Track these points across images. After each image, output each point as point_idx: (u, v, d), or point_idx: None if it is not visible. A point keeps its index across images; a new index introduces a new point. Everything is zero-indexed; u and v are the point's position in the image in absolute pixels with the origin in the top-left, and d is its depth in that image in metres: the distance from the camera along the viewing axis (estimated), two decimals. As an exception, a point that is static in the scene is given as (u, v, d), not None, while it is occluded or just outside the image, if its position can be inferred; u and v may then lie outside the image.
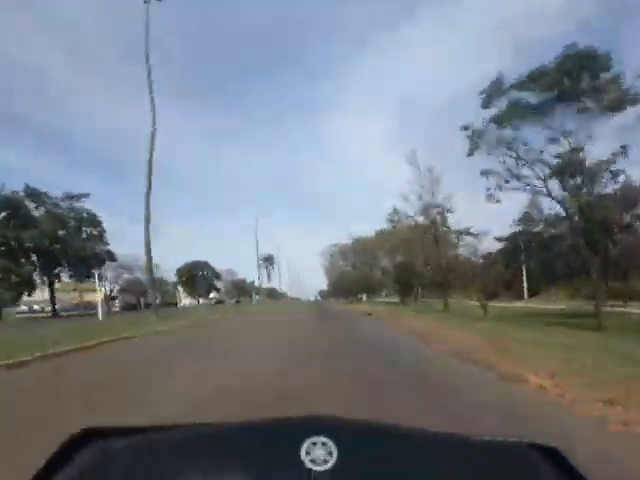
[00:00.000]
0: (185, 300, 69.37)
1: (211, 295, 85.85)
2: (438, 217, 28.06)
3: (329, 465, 0.40)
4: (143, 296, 51.87)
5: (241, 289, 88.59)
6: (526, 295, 46.10)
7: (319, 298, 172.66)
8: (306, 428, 0.43)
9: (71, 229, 33.13)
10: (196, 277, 65.69)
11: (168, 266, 63.18)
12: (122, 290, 45.64)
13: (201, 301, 73.06)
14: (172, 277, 63.76)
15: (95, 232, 33.89)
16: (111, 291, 43.83)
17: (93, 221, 33.74)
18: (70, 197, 34.04)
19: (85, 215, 33.96)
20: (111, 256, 36.39)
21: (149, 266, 19.20)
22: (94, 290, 37.83)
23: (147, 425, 0.46)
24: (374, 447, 0.44)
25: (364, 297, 52.29)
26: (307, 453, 0.41)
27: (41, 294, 40.64)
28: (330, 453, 0.41)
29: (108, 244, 35.30)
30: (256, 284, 66.44)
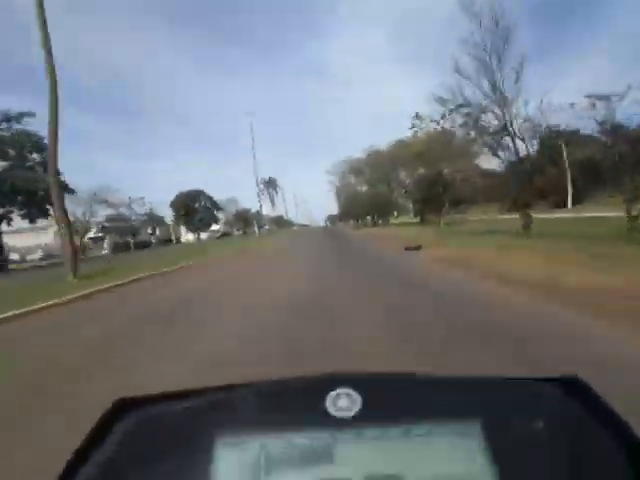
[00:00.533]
0: (187, 235, 64.16)
1: (214, 227, 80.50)
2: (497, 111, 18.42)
3: (353, 412, 0.43)
4: (134, 235, 46.97)
5: (245, 220, 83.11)
6: (570, 203, 39.64)
7: (328, 224, 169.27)
8: (329, 382, 0.46)
9: (15, 157, 26.58)
10: (193, 209, 59.06)
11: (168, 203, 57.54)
12: (104, 229, 39.81)
13: (203, 236, 68.38)
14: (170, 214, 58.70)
15: (41, 160, 26.97)
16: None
17: (39, 146, 26.81)
18: (8, 118, 26.95)
19: (30, 140, 27.01)
20: (68, 189, 29.90)
21: (53, 166, 11.87)
22: (85, 231, 32.56)
23: (181, 391, 0.48)
24: (396, 394, 0.47)
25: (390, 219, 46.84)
26: (332, 404, 0.44)
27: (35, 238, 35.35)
28: (354, 402, 0.43)
29: (60, 174, 28.56)
30: (258, 211, 59.24)
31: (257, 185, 51.59)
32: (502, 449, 0.41)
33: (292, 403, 0.46)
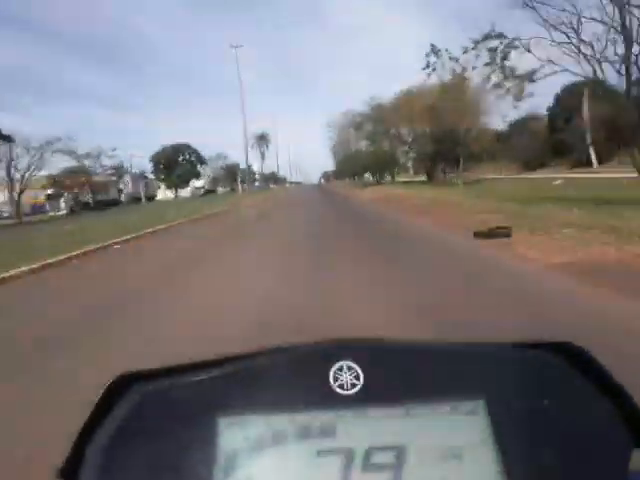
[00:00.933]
0: (166, 192, 57.41)
1: (197, 184, 73.59)
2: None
3: (356, 389, 0.43)
4: (93, 192, 40.80)
5: (233, 175, 76.60)
6: (595, 162, 34.66)
7: (322, 182, 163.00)
8: (333, 353, 0.45)
9: None
10: (175, 163, 52.43)
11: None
12: (56, 183, 33.47)
13: (184, 193, 61.99)
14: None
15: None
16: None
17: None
18: None
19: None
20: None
21: None
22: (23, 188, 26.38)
23: (184, 363, 0.47)
24: (398, 367, 0.46)
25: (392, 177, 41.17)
26: (335, 379, 0.43)
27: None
28: (358, 375, 0.43)
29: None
30: (248, 166, 52.46)
31: (244, 135, 41.76)
32: (506, 424, 0.41)
33: (295, 378, 0.45)
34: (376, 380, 0.43)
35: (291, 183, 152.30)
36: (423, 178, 42.46)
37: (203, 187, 76.09)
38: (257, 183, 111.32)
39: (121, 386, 0.44)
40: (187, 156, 53.33)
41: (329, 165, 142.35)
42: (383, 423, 0.42)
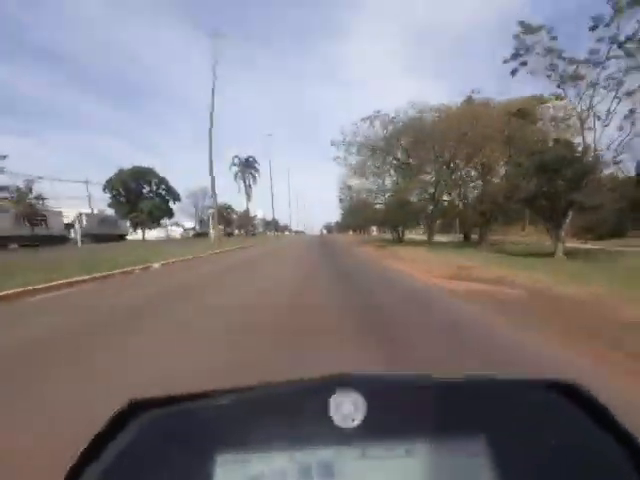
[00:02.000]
0: (136, 234, 47.45)
1: (187, 225, 64.68)
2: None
3: (357, 421, 0.42)
4: (35, 222, 31.51)
5: (226, 219, 67.63)
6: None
7: (324, 232, 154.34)
8: (333, 386, 0.45)
9: None
10: (140, 196, 40.22)
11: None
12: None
13: (156, 233, 52.34)
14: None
15: None
16: None
17: None
18: None
19: None
20: None
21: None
22: None
23: (192, 393, 0.48)
24: (400, 398, 0.46)
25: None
26: (335, 410, 0.43)
27: None
28: (358, 408, 0.43)
29: None
30: (229, 206, 42.43)
31: (210, 161, 28.45)
32: (507, 466, 0.41)
33: (295, 413, 0.45)
34: (377, 415, 0.43)
35: (296, 232, 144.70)
36: (443, 238, 33.08)
37: (193, 229, 67.26)
38: (271, 231, 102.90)
39: (129, 412, 0.45)
40: (153, 186, 41.91)
41: (334, 216, 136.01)
42: (383, 463, 0.41)
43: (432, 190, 24.03)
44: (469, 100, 23.06)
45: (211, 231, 32.56)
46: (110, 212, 40.65)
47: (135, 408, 0.45)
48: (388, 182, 27.72)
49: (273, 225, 79.26)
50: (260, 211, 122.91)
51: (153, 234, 57.86)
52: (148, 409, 0.45)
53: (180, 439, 0.43)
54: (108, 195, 39.28)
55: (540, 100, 22.94)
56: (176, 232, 65.59)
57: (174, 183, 54.30)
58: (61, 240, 34.10)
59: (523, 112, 21.78)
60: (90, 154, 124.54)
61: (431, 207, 25.05)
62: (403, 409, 0.44)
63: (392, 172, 27.47)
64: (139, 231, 44.38)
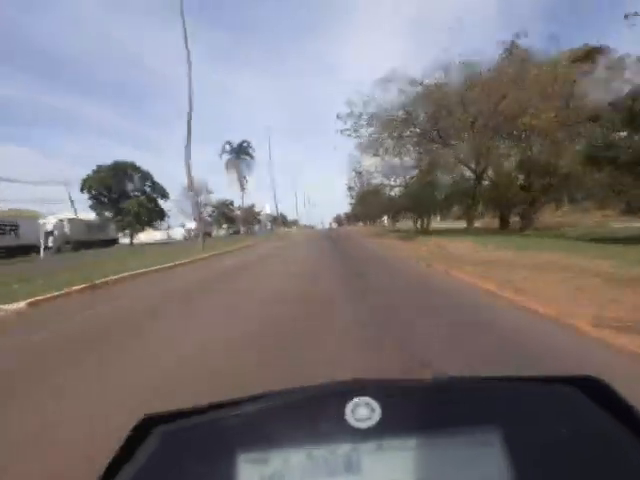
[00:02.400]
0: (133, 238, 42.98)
1: (181, 229, 60.12)
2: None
3: (373, 422, 0.43)
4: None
5: (227, 215, 63.18)
6: None
7: (334, 225, 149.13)
8: (348, 391, 0.46)
9: None
10: (124, 195, 35.09)
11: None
12: None
13: (160, 236, 47.94)
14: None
15: None
16: None
17: None
18: None
19: None
20: None
21: None
22: None
23: (205, 405, 0.49)
24: (414, 402, 0.47)
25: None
26: (351, 413, 0.44)
27: None
28: (373, 411, 0.44)
29: None
30: (198, 196, 36.38)
31: (187, 136, 19.58)
32: (522, 456, 0.41)
33: (312, 414, 0.46)
34: (392, 416, 0.43)
35: (305, 226, 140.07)
36: (477, 224, 27.96)
37: (190, 231, 62.82)
38: (259, 226, 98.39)
39: (144, 428, 0.46)
40: (137, 183, 36.42)
41: (344, 208, 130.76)
42: (401, 456, 0.42)
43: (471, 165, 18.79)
44: (513, 47, 17.87)
45: (177, 231, 28.05)
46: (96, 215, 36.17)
47: (150, 423, 0.46)
48: (407, 161, 22.49)
49: (277, 221, 74.33)
50: (267, 206, 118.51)
51: (156, 236, 53.83)
52: (163, 423, 0.46)
53: (198, 447, 0.44)
54: (87, 196, 34.76)
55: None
56: (178, 233, 61.50)
57: (170, 181, 49.97)
58: (30, 250, 29.76)
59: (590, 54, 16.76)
60: (83, 157, 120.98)
61: (472, 185, 19.68)
62: (418, 410, 0.45)
63: (411, 148, 22.05)
64: (139, 235, 39.99)
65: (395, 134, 19.76)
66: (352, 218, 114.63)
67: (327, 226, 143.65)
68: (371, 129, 20.16)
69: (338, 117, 19.34)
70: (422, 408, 0.45)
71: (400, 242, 17.20)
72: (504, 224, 22.94)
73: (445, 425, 0.43)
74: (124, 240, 54.43)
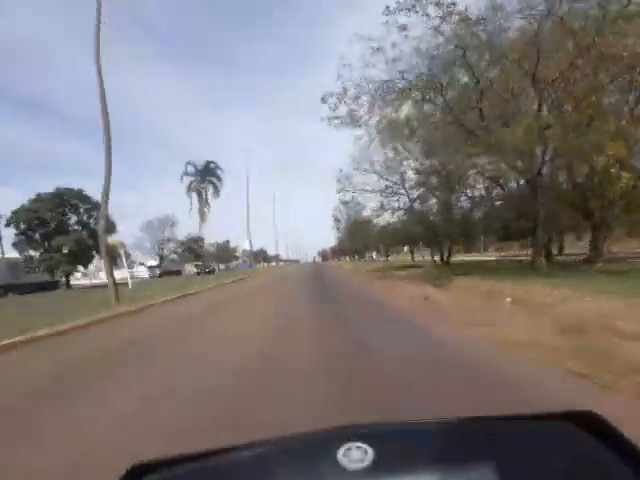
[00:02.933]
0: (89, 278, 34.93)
1: (151, 263, 52.78)
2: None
3: (365, 464, 0.42)
4: None
5: (195, 251, 55.86)
6: None
7: (317, 259, 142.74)
8: (341, 436, 0.46)
9: None
10: (60, 229, 27.67)
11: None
12: None
13: (121, 275, 39.77)
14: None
15: None
16: None
17: None
18: None
19: None
20: None
21: None
22: None
23: (195, 453, 0.48)
24: (407, 444, 0.46)
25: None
26: (344, 456, 0.43)
27: None
28: (365, 453, 0.43)
29: None
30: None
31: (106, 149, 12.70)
32: None
33: (306, 460, 0.45)
34: (387, 455, 0.43)
35: (286, 261, 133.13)
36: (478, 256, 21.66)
37: (158, 266, 55.33)
38: (240, 261, 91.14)
39: (135, 476, 0.45)
40: (84, 215, 29.55)
41: (329, 242, 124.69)
42: None
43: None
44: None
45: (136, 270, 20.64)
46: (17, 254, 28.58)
47: (141, 471, 0.45)
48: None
49: (257, 257, 67.22)
50: (247, 242, 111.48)
51: (118, 275, 46.10)
52: (153, 472, 0.45)
53: None
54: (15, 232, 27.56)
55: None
56: (143, 272, 54.02)
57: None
58: None
59: None
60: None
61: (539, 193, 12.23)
62: (412, 450, 0.44)
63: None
64: (100, 274, 32.12)
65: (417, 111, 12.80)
66: (338, 252, 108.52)
67: (311, 260, 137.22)
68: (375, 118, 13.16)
69: (324, 101, 12.66)
70: (415, 450, 0.44)
71: (434, 290, 10.48)
72: (549, 254, 17.01)
73: (441, 464, 0.42)
74: (83, 281, 46.24)
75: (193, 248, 53.66)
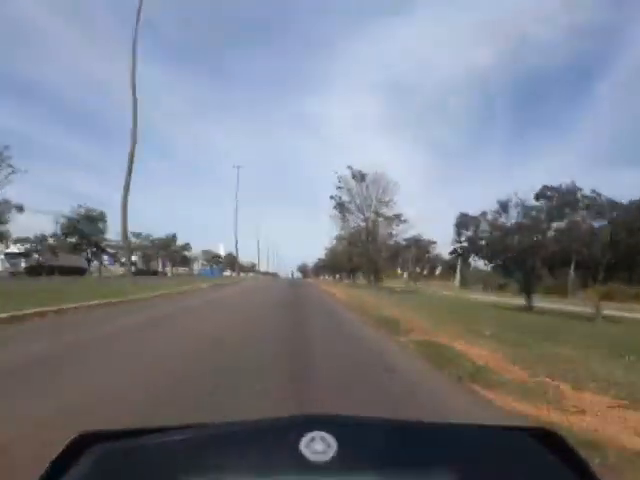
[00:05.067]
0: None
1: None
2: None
3: (328, 456, 0.41)
4: None
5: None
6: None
7: (297, 275, 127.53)
8: (304, 425, 0.45)
9: None
10: None
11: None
12: None
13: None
14: None
15: None
16: None
17: None
18: None
19: None
20: None
21: None
22: None
23: (145, 427, 0.47)
24: (371, 439, 0.47)
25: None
26: (306, 447, 0.42)
27: None
28: (329, 446, 0.42)
29: None
30: None
31: None
32: None
33: (265, 446, 0.45)
34: (348, 451, 0.42)
35: (264, 273, 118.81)
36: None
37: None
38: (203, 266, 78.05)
39: (81, 445, 0.44)
40: None
41: (312, 257, 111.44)
42: None
43: None
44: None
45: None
46: None
47: (88, 441, 0.43)
48: None
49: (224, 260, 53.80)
50: (221, 246, 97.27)
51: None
52: (101, 442, 0.44)
53: (140, 470, 0.42)
54: None
55: None
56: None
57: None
58: None
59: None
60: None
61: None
62: (375, 447, 0.45)
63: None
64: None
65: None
66: (322, 269, 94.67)
67: (289, 275, 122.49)
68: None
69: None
70: (380, 446, 0.45)
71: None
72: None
73: (401, 465, 0.43)
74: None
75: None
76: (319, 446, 0.42)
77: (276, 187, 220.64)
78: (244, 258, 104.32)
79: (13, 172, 29.47)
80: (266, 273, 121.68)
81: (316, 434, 0.42)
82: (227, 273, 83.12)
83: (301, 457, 0.41)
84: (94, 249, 41.66)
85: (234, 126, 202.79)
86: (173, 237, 63.23)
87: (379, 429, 0.48)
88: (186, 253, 72.12)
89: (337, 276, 73.07)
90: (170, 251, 61.36)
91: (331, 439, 0.42)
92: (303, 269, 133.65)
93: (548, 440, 0.46)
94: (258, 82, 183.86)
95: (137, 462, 0.42)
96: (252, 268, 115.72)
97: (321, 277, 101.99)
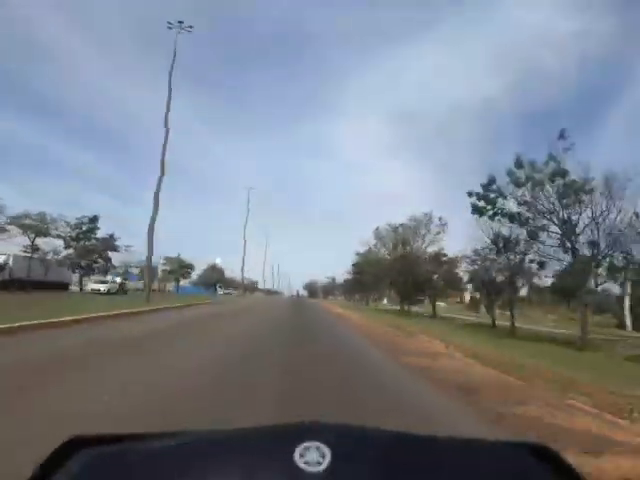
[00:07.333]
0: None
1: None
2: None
3: (322, 467, 0.41)
4: None
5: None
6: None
7: (302, 294, 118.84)
8: (299, 434, 0.44)
9: None
10: None
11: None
12: None
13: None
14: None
15: None
16: None
17: None
18: None
19: None
20: None
21: None
22: None
23: (137, 433, 0.47)
24: (366, 450, 0.46)
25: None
26: (300, 456, 0.42)
27: None
28: (323, 456, 0.42)
29: None
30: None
31: None
32: None
33: (260, 454, 0.44)
34: (342, 462, 0.42)
35: (267, 292, 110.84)
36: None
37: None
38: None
39: (69, 449, 0.43)
40: None
41: (324, 274, 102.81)
42: None
43: None
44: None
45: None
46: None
47: (77, 445, 0.43)
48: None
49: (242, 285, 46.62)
50: (218, 260, 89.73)
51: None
52: (90, 446, 0.43)
53: (128, 475, 0.41)
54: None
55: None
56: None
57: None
58: None
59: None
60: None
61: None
62: (369, 459, 0.44)
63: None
64: None
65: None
66: (340, 289, 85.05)
67: (294, 294, 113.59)
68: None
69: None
70: (375, 459, 0.44)
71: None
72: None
73: (396, 478, 0.42)
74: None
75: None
76: (313, 456, 0.41)
77: (287, 206, 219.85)
78: (247, 274, 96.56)
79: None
80: (269, 292, 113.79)
81: (311, 444, 0.42)
82: (222, 292, 75.98)
83: (294, 467, 0.40)
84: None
85: (245, 146, 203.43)
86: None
87: (376, 441, 0.47)
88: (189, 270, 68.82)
89: (339, 297, 65.82)
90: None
91: (326, 449, 0.41)
92: (310, 288, 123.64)
93: (545, 455, 0.46)
94: (271, 106, 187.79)
95: (124, 467, 0.41)
96: (252, 286, 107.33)
97: (330, 297, 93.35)
